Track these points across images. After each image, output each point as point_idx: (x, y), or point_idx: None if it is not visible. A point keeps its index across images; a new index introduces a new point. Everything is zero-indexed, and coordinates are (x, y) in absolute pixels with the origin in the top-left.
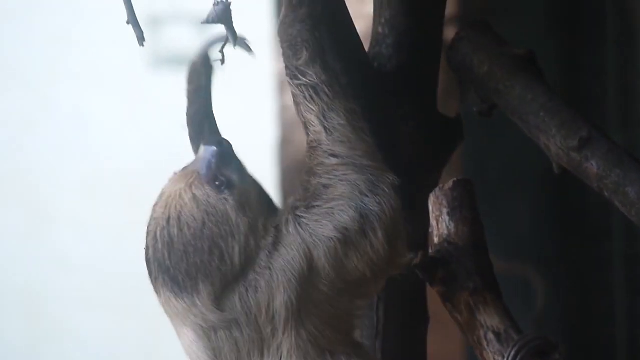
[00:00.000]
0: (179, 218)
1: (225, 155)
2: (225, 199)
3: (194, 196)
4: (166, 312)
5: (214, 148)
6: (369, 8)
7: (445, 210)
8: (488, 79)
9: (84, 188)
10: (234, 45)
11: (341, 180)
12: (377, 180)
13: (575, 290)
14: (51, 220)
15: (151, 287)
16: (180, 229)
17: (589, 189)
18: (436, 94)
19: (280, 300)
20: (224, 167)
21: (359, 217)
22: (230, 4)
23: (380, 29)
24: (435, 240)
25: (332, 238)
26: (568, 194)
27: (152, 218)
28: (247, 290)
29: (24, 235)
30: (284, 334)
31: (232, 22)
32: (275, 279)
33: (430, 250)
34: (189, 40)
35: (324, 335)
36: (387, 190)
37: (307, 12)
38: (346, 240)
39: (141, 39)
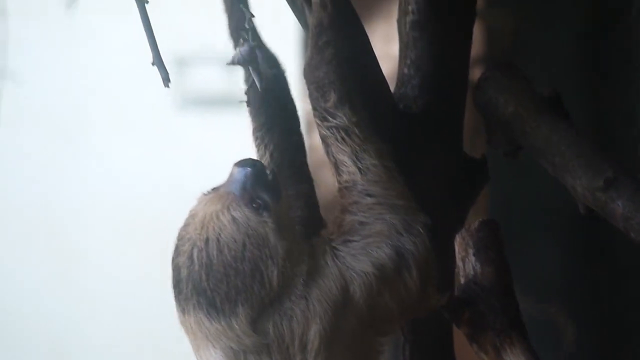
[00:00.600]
0: (218, 240)
1: (259, 176)
2: (264, 221)
3: (233, 218)
4: (191, 332)
5: (248, 169)
6: (395, 48)
7: (471, 251)
8: (514, 120)
9: (111, 228)
10: (260, 87)
11: (377, 219)
12: (411, 220)
13: (605, 331)
14: (78, 260)
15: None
16: (220, 251)
17: (617, 228)
18: (462, 135)
19: (314, 330)
20: (258, 189)
21: (396, 255)
22: (255, 46)
23: (405, 70)
24: (462, 280)
25: (368, 273)
26: (597, 233)
27: (185, 239)
28: (281, 317)
29: (51, 275)
30: None
31: (257, 64)
32: (311, 308)
33: (456, 291)
34: (216, 81)
35: None
36: (421, 230)
37: (333, 54)
38: (382, 276)
39: (166, 80)
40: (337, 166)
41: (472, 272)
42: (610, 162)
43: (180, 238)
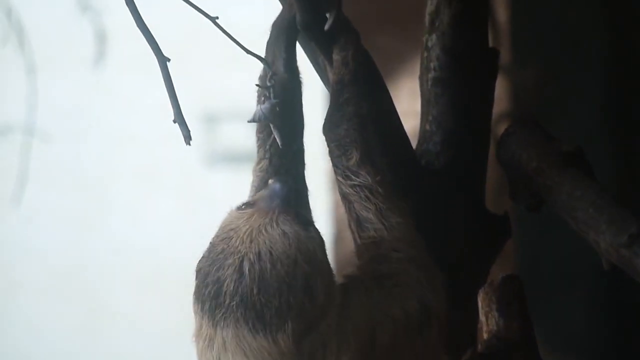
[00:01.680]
0: (270, 253)
1: (299, 192)
2: (312, 237)
3: (284, 232)
4: (221, 346)
5: (290, 184)
6: (420, 104)
7: (494, 306)
8: (537, 175)
9: (138, 284)
10: (281, 145)
11: (404, 273)
12: (434, 278)
13: None
14: (108, 318)
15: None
16: (274, 265)
17: None
18: (484, 191)
19: None
20: (299, 204)
21: (421, 307)
22: (277, 102)
23: (427, 127)
24: (485, 336)
25: (397, 320)
26: (622, 289)
27: (228, 252)
28: (317, 342)
29: (81, 330)
30: None
31: (279, 121)
32: (345, 340)
33: (479, 347)
34: (245, 137)
35: None
36: (441, 289)
37: (355, 111)
38: (408, 325)
39: (187, 137)
40: (360, 223)
41: (495, 327)
42: (634, 217)
43: (220, 251)
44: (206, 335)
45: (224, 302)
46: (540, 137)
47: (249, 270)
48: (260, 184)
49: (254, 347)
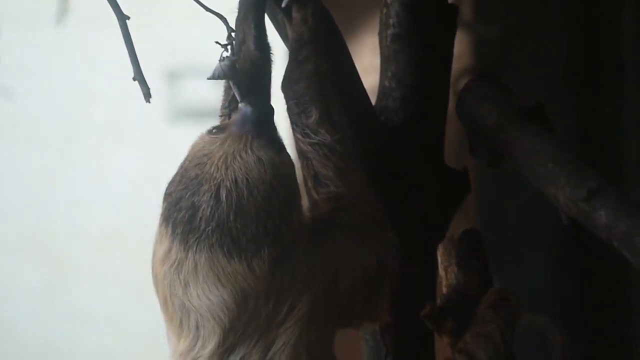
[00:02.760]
0: (247, 180)
1: (271, 114)
2: (286, 161)
3: (259, 158)
4: (191, 269)
5: (260, 107)
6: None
7: (453, 261)
8: (496, 130)
9: (103, 238)
10: (241, 101)
11: (364, 227)
12: (388, 237)
13: (595, 342)
14: (71, 274)
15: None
16: (250, 192)
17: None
18: (443, 147)
19: (307, 298)
20: (273, 127)
21: (378, 263)
22: (236, 60)
23: (386, 83)
24: (444, 290)
25: (357, 270)
26: (586, 243)
27: (203, 178)
28: (287, 272)
29: (43, 285)
30: (289, 328)
31: (238, 78)
32: (312, 276)
33: (438, 300)
34: (208, 93)
35: (315, 350)
36: (394, 249)
37: (313, 68)
38: (364, 278)
39: (147, 95)
40: (318, 179)
41: (454, 282)
42: (593, 172)
43: (194, 177)
44: (175, 258)
45: (199, 228)
46: (500, 92)
47: (225, 197)
48: None
49: (228, 271)
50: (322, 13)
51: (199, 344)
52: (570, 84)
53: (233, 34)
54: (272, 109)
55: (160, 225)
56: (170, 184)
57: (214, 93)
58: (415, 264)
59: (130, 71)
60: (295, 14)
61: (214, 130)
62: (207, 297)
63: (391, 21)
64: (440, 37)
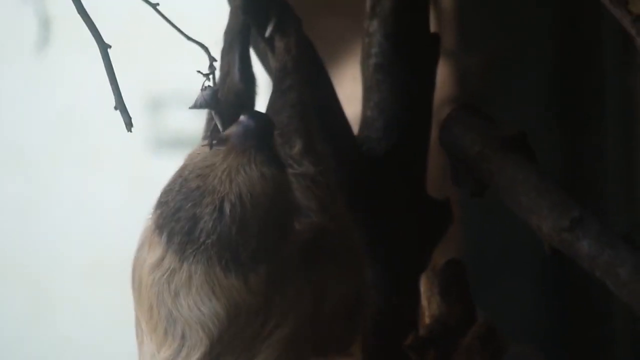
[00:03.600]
0: (251, 195)
1: (272, 130)
2: (286, 179)
3: (262, 174)
4: (184, 279)
5: (264, 121)
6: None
7: (436, 291)
8: (480, 160)
9: (84, 270)
10: (222, 130)
11: (345, 260)
12: (366, 271)
13: None
14: (53, 304)
15: None
16: (254, 207)
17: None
18: (425, 177)
19: (291, 320)
20: (272, 143)
21: (356, 298)
22: (217, 89)
23: (369, 112)
24: (427, 320)
25: (340, 297)
26: (567, 274)
27: (205, 191)
28: (277, 290)
29: (25, 319)
30: (270, 347)
31: (220, 107)
32: (299, 299)
33: (421, 331)
34: (191, 122)
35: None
36: (369, 282)
37: (297, 98)
38: (345, 306)
39: (129, 124)
40: (300, 209)
41: (437, 312)
42: (575, 201)
43: (195, 188)
44: (168, 268)
45: (198, 239)
46: (483, 121)
47: (230, 211)
48: None
49: (223, 285)
50: (304, 42)
51: (183, 353)
52: (552, 114)
53: (215, 64)
54: (273, 123)
55: (153, 232)
56: (167, 192)
57: (195, 122)
58: (398, 295)
59: (112, 100)
60: (278, 44)
61: (214, 142)
62: (199, 309)
63: (373, 51)
64: (423, 66)
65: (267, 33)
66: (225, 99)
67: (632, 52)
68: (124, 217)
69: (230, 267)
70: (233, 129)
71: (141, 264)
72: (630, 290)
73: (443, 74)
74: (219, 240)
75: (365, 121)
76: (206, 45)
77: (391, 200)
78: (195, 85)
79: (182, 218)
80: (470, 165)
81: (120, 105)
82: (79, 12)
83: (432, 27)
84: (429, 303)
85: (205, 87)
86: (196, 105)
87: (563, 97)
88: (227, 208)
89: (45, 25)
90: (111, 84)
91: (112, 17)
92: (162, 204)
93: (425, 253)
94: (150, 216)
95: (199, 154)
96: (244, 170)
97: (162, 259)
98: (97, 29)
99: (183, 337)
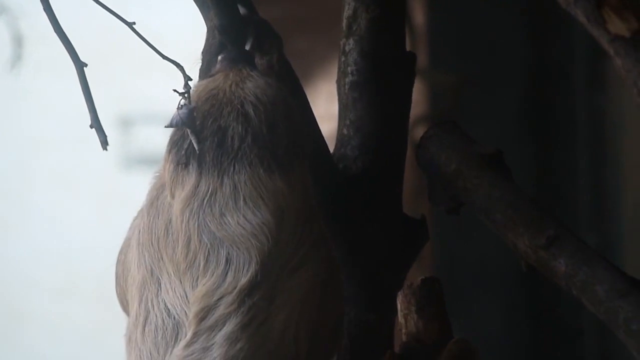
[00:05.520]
0: (266, 96)
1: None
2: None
3: (266, 81)
4: (230, 193)
5: (242, 49)
6: (337, 108)
7: (413, 309)
8: (456, 177)
9: (57, 290)
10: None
11: (323, 286)
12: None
13: None
14: (24, 322)
15: None
16: (274, 106)
17: (560, 287)
18: (401, 195)
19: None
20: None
21: (338, 320)
22: (194, 108)
23: (345, 131)
24: (404, 338)
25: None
26: (540, 291)
27: (221, 104)
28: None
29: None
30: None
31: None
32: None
33: (397, 349)
34: (161, 140)
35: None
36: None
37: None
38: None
39: (104, 142)
40: None
41: (414, 329)
42: (552, 219)
43: (209, 107)
44: (207, 191)
45: (232, 147)
46: (460, 139)
47: (254, 111)
48: None
49: (269, 188)
50: (284, 59)
51: (229, 278)
52: (526, 128)
53: (190, 82)
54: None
55: (173, 172)
56: (176, 130)
57: (167, 140)
58: (373, 313)
59: (84, 118)
60: (260, 61)
61: (209, 74)
62: (248, 221)
63: (349, 69)
64: (399, 84)
65: (247, 46)
66: None
67: (602, 71)
68: (95, 235)
69: (273, 167)
70: (217, 66)
71: (173, 208)
72: (607, 308)
73: (416, 92)
74: (254, 142)
75: (341, 139)
76: (181, 64)
77: (367, 217)
78: (165, 104)
79: (207, 136)
80: (447, 183)
81: (96, 123)
82: (55, 31)
83: (406, 46)
84: (405, 321)
85: (182, 105)
86: (172, 124)
87: (536, 114)
88: (250, 110)
89: (18, 42)
90: (87, 102)
91: (83, 35)
92: (175, 141)
93: (401, 270)
94: (162, 166)
95: (199, 86)
96: (249, 80)
97: (196, 186)
98: (73, 48)
99: (228, 261)
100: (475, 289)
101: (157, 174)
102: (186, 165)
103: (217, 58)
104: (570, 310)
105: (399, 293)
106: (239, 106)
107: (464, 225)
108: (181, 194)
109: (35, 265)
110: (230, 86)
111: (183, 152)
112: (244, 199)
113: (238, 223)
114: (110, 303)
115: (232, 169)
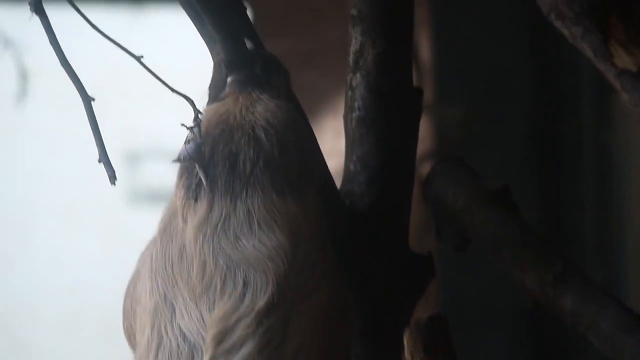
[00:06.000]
0: (277, 120)
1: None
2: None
3: (277, 104)
4: (242, 215)
5: (251, 69)
6: (344, 144)
7: (420, 346)
8: (463, 214)
9: (61, 324)
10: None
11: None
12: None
13: None
14: (30, 356)
15: None
16: (285, 130)
17: (565, 324)
18: (407, 231)
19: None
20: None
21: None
22: (201, 142)
23: (352, 167)
24: None
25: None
26: (544, 328)
27: (232, 129)
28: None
29: None
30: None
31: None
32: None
33: None
34: (168, 175)
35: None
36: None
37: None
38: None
39: (112, 177)
40: None
41: None
42: (559, 256)
43: (220, 131)
44: (220, 216)
45: (245, 171)
46: (467, 175)
47: (265, 135)
48: None
49: (282, 211)
50: (291, 94)
51: (246, 301)
52: (533, 163)
53: (200, 116)
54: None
55: (185, 201)
56: (189, 152)
57: (173, 175)
58: (380, 350)
59: (89, 153)
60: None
61: (217, 98)
62: (263, 244)
63: (356, 104)
64: (406, 120)
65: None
66: None
67: (607, 107)
68: (100, 270)
69: (286, 191)
70: (226, 90)
71: (186, 234)
72: (613, 344)
73: (423, 128)
74: (266, 166)
75: (348, 175)
76: (191, 98)
77: (374, 254)
78: (172, 138)
79: (219, 161)
80: (454, 220)
81: (104, 158)
82: (62, 64)
83: (413, 81)
84: (412, 358)
85: (189, 139)
86: (179, 159)
87: (542, 150)
88: (261, 134)
89: (24, 76)
90: (95, 137)
91: (90, 69)
92: (186, 167)
93: (407, 307)
94: (172, 197)
95: (208, 111)
96: (259, 103)
97: (209, 211)
98: (80, 82)
99: (245, 284)
100: (481, 326)
101: (169, 203)
102: (198, 190)
103: (224, 91)
104: (576, 347)
105: (406, 330)
106: (250, 130)
107: (470, 262)
108: (194, 219)
109: (40, 299)
110: (241, 110)
111: (194, 177)
112: (258, 224)
113: (254, 246)
114: (115, 338)
115: (244, 193)
